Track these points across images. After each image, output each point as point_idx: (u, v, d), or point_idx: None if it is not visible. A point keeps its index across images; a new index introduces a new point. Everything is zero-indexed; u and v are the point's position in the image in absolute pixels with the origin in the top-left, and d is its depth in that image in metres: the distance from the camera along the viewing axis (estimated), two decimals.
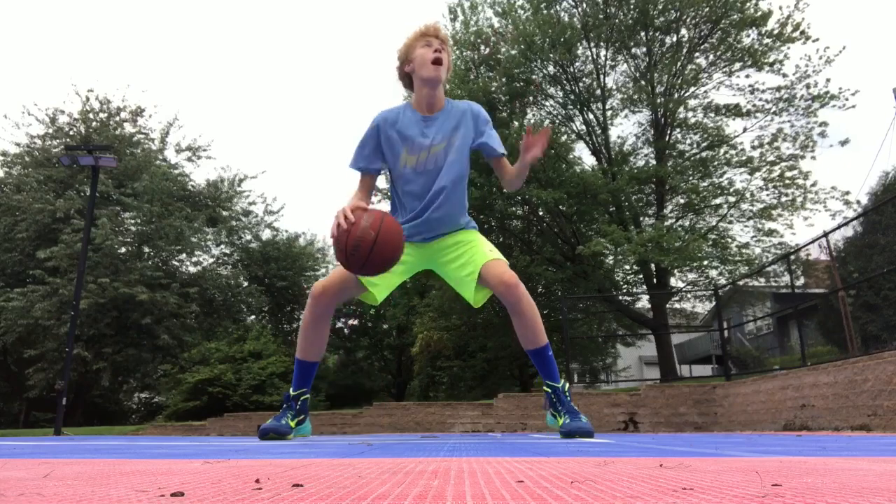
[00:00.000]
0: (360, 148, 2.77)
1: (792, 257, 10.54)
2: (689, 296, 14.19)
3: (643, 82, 11.81)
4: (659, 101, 11.83)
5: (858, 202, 11.13)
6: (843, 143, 11.25)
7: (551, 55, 11.69)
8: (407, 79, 2.80)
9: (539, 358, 2.78)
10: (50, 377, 14.07)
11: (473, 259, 2.70)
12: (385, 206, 2.87)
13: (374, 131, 2.76)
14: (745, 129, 11.89)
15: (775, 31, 10.97)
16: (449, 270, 2.83)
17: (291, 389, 2.85)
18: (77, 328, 10.52)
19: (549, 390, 2.82)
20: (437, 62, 2.64)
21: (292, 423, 2.80)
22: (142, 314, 14.02)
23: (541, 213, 13.23)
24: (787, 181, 11.17)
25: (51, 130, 16.76)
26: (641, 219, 12.57)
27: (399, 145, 2.72)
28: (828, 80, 10.90)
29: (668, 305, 13.06)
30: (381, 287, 2.78)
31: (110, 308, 14.01)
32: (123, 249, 15.27)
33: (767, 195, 11.58)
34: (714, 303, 11.04)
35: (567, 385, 2.85)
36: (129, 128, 17.38)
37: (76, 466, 1.24)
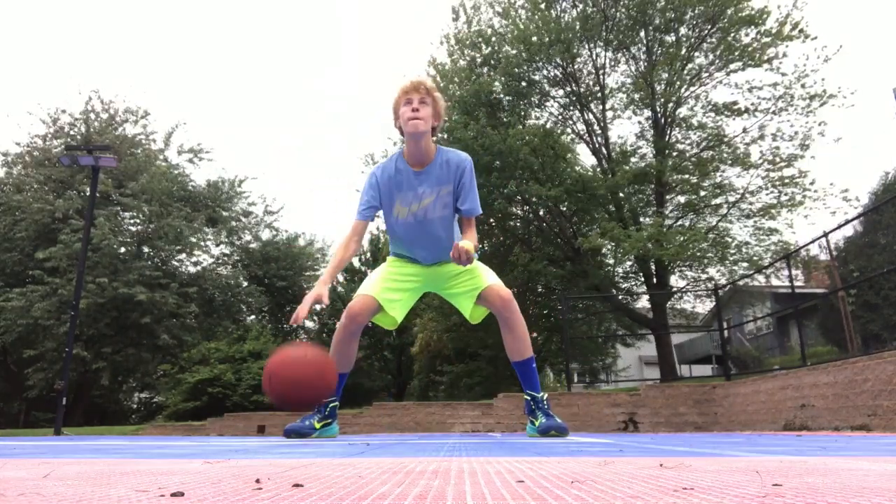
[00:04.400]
0: (365, 200, 2.99)
1: (793, 254, 10.56)
2: (689, 295, 14.19)
3: (643, 81, 11.81)
4: (659, 100, 11.83)
5: (857, 199, 11.12)
6: (837, 140, 11.33)
7: (551, 55, 11.70)
8: (400, 131, 3.01)
9: (524, 369, 3.01)
10: (50, 377, 14.07)
11: (475, 282, 2.98)
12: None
13: (375, 184, 2.99)
14: (744, 130, 11.90)
15: (774, 30, 10.98)
16: (451, 290, 3.09)
17: None
18: (76, 328, 10.52)
19: (529, 398, 3.04)
20: (414, 118, 2.82)
21: (317, 425, 3.01)
22: (141, 314, 14.02)
23: (541, 213, 13.23)
24: (787, 180, 11.18)
25: (52, 130, 16.77)
26: (641, 218, 12.58)
27: (393, 198, 2.96)
28: (823, 80, 10.95)
29: (667, 305, 13.05)
30: (398, 311, 3.01)
31: (110, 308, 14.01)
32: (123, 249, 15.28)
33: (767, 194, 11.60)
34: (714, 303, 11.04)
35: (546, 396, 3.07)
36: (130, 129, 17.41)
37: (76, 466, 1.24)
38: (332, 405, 3.04)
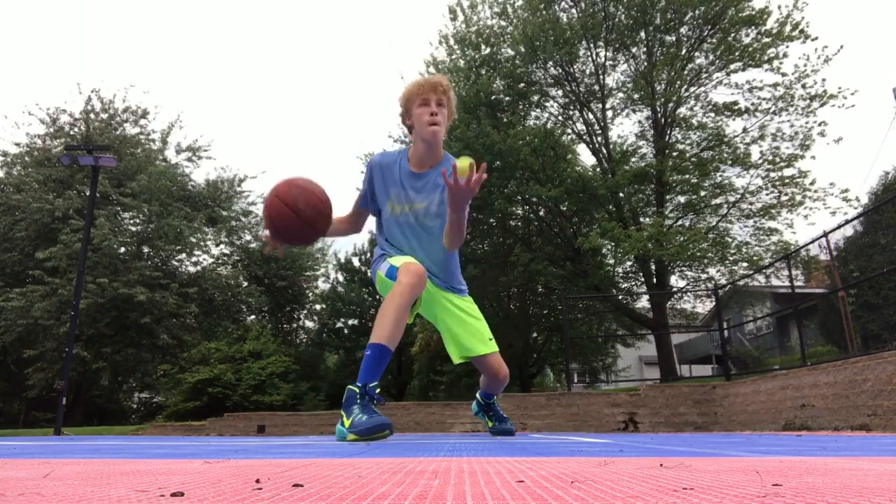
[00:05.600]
0: (363, 190, 2.93)
1: (793, 254, 10.55)
2: (689, 295, 14.19)
3: (643, 81, 11.81)
4: (659, 100, 11.83)
5: (857, 199, 11.10)
6: (837, 140, 11.28)
7: (552, 55, 11.70)
8: (409, 127, 2.83)
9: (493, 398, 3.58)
10: (49, 377, 14.07)
11: (476, 340, 3.04)
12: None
13: (369, 174, 2.87)
14: (744, 129, 11.91)
15: (774, 31, 10.98)
16: (449, 327, 3.09)
17: (369, 381, 2.50)
18: (76, 328, 10.52)
19: (490, 402, 3.58)
20: (433, 124, 2.66)
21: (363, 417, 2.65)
22: (141, 314, 14.02)
23: (541, 213, 13.22)
24: (787, 180, 11.19)
25: (51, 130, 16.78)
26: (641, 218, 12.58)
27: (386, 192, 2.82)
28: (824, 80, 10.93)
29: (668, 305, 13.05)
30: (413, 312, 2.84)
31: (109, 308, 14.01)
32: (123, 249, 15.28)
33: (767, 194, 11.60)
34: (714, 303, 11.04)
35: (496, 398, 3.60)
36: (129, 128, 17.43)
37: (76, 466, 1.24)
38: (370, 385, 2.52)
